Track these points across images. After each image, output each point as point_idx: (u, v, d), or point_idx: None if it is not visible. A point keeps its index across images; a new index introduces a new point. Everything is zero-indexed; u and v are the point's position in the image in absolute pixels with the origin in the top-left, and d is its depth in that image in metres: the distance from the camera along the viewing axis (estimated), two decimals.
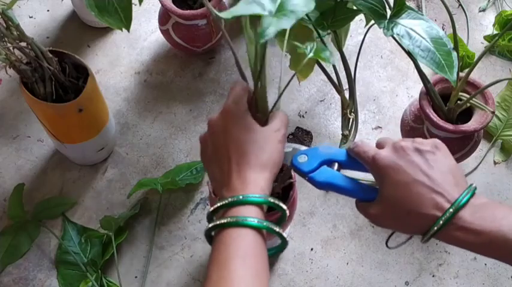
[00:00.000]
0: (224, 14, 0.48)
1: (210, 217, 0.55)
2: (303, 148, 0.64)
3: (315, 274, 0.88)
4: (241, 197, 0.52)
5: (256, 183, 0.53)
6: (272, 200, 0.54)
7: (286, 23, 0.49)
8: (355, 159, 0.61)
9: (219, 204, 0.53)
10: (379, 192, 0.57)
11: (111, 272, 0.87)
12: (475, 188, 0.54)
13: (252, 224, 0.51)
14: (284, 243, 0.56)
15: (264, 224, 0.51)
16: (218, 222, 0.51)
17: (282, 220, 0.58)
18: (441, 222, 0.52)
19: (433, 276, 0.88)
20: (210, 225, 0.52)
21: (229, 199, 0.52)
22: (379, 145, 0.60)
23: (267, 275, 0.51)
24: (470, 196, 0.53)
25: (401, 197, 0.54)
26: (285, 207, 0.55)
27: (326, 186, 0.61)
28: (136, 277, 0.87)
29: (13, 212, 0.91)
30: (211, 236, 0.54)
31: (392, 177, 0.55)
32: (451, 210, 0.52)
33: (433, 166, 0.54)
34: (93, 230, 0.90)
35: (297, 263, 0.89)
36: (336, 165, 0.62)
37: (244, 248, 0.50)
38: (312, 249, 0.90)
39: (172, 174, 0.94)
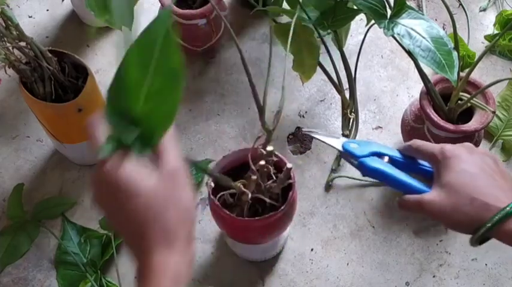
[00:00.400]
0: None
1: None
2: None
3: (315, 275, 0.88)
4: None
5: (169, 273, 0.41)
6: None
7: None
8: (407, 158, 0.62)
9: None
10: (439, 181, 0.56)
11: (110, 272, 0.87)
12: None
13: None
14: None
15: None
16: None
17: None
18: (503, 212, 0.51)
19: (434, 276, 0.88)
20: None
21: None
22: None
23: None
24: None
25: (467, 184, 0.54)
26: None
27: (376, 173, 0.60)
28: (136, 277, 0.87)
29: (12, 212, 0.90)
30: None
31: (461, 165, 0.55)
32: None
33: (495, 169, 0.56)
34: (93, 230, 0.90)
35: (297, 263, 0.89)
36: (386, 158, 0.62)
37: None
38: (312, 249, 0.90)
39: None
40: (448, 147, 0.58)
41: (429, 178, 0.59)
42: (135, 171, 0.42)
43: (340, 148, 0.63)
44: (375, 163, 0.61)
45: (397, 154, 0.62)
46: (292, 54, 0.85)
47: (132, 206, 0.41)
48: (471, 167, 0.55)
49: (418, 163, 0.62)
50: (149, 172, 0.43)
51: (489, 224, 0.52)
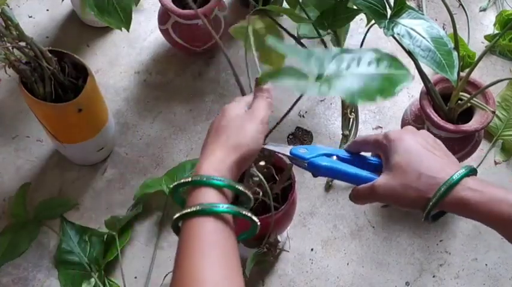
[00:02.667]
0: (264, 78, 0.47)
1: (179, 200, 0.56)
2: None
3: (315, 275, 0.88)
4: (204, 178, 0.52)
5: (220, 163, 0.54)
6: (235, 186, 0.53)
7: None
8: (354, 155, 0.63)
9: (182, 181, 0.53)
10: (386, 166, 0.58)
11: (111, 272, 0.87)
12: (476, 171, 0.57)
13: (217, 211, 0.50)
14: (255, 227, 0.56)
15: (230, 209, 0.51)
16: (184, 211, 0.50)
17: (247, 203, 0.57)
18: (450, 181, 0.54)
19: (434, 276, 0.88)
20: (176, 216, 0.51)
21: (192, 178, 0.53)
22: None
23: (237, 262, 0.50)
24: (474, 172, 0.56)
25: (413, 162, 0.56)
26: (248, 193, 0.55)
27: (326, 170, 0.61)
28: (136, 277, 0.87)
29: (16, 210, 0.91)
30: (178, 226, 0.53)
31: (404, 146, 0.58)
32: (459, 172, 0.54)
33: (439, 147, 0.59)
34: (93, 229, 0.90)
35: (297, 263, 0.89)
36: (335, 157, 0.63)
37: (209, 238, 0.49)
38: (312, 249, 0.90)
39: (176, 173, 0.93)
40: (390, 132, 0.60)
41: (378, 171, 0.60)
42: (235, 106, 0.61)
43: (288, 154, 0.65)
44: (323, 161, 0.62)
45: (344, 153, 0.64)
46: (256, 50, 0.84)
47: (224, 119, 0.59)
48: (415, 146, 0.58)
49: (365, 158, 0.63)
50: (243, 111, 0.61)
51: (437, 196, 0.54)
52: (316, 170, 0.62)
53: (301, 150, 0.64)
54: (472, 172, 0.56)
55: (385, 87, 0.47)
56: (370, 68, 0.50)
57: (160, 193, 0.91)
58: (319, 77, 0.47)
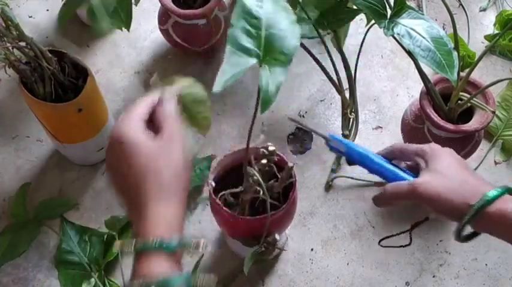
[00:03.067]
0: (216, 87, 0.46)
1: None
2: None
3: (315, 275, 0.88)
4: (153, 243, 0.44)
5: (163, 222, 0.46)
6: (191, 242, 0.47)
7: (282, 73, 0.47)
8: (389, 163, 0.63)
9: (127, 249, 0.46)
10: (428, 168, 0.58)
11: (111, 272, 0.87)
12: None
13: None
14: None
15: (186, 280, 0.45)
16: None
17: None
18: (497, 191, 0.53)
19: (434, 276, 0.88)
20: None
21: (138, 246, 0.45)
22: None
23: None
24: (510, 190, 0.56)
25: (458, 169, 0.57)
26: (202, 245, 0.48)
27: (363, 157, 0.62)
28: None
29: (16, 210, 0.91)
30: None
31: (450, 154, 0.59)
32: (503, 186, 0.55)
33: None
34: (93, 229, 0.90)
35: (297, 263, 0.89)
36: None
37: None
38: (312, 249, 0.90)
39: None
40: (433, 143, 0.61)
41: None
42: (140, 134, 0.49)
43: (327, 135, 0.65)
44: (362, 149, 0.63)
45: (378, 156, 0.64)
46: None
47: (133, 162, 0.48)
48: (457, 158, 0.59)
49: (398, 166, 0.63)
50: (151, 136, 0.50)
51: (482, 202, 0.53)
52: (353, 156, 0.62)
53: (339, 136, 0.65)
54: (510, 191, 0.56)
55: None
56: None
57: None
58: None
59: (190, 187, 0.90)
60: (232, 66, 0.46)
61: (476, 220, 0.54)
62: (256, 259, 0.80)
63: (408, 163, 0.64)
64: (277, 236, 0.79)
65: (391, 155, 0.64)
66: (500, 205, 0.53)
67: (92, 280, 0.84)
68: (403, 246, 0.63)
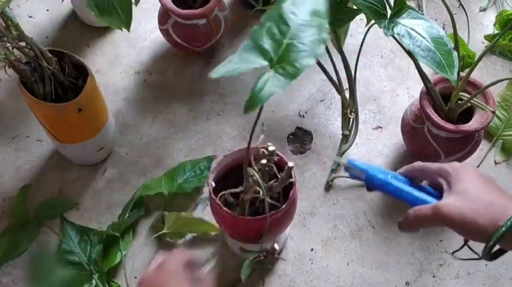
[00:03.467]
0: (214, 74, 0.45)
1: None
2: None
3: (315, 275, 0.88)
4: None
5: None
6: None
7: (281, 85, 0.46)
8: (407, 180, 0.62)
9: None
10: (451, 190, 0.57)
11: (113, 272, 0.87)
12: None
13: None
14: None
15: None
16: None
17: None
18: None
19: (434, 276, 0.88)
20: None
21: None
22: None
23: None
24: None
25: (482, 190, 0.55)
26: None
27: (383, 184, 0.61)
28: (135, 277, 0.87)
29: (16, 211, 0.91)
30: None
31: (472, 174, 0.58)
32: None
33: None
34: (93, 229, 0.90)
35: (297, 263, 0.89)
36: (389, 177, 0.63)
37: None
38: (312, 249, 0.90)
39: (176, 173, 0.94)
40: (455, 162, 0.60)
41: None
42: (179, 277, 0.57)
43: (345, 162, 0.65)
44: (380, 174, 0.62)
45: (399, 177, 0.63)
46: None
47: None
48: (482, 177, 0.58)
49: (421, 185, 0.62)
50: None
51: (504, 229, 0.52)
52: (373, 182, 0.61)
53: (358, 161, 0.64)
54: None
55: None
56: None
57: (159, 194, 0.91)
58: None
59: (190, 189, 0.91)
60: (241, 60, 0.46)
61: (506, 239, 0.53)
62: (253, 267, 0.80)
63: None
64: (276, 246, 0.79)
65: (411, 175, 0.63)
66: None
67: (93, 281, 0.84)
68: (476, 259, 0.61)
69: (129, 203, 0.92)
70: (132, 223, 0.90)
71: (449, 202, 0.55)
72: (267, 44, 0.47)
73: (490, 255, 0.55)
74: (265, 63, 0.47)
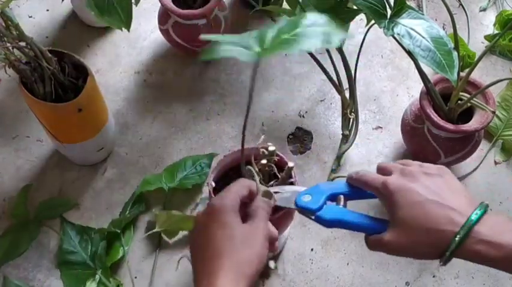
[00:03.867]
0: (204, 57, 0.44)
1: None
2: (302, 188, 0.64)
3: (315, 275, 0.88)
4: None
5: None
6: None
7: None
8: (358, 189, 0.61)
9: None
10: (391, 219, 0.56)
11: (116, 270, 0.87)
12: (487, 205, 0.54)
13: None
14: None
15: None
16: None
17: None
18: (460, 235, 0.51)
19: (434, 276, 0.88)
20: None
21: None
22: (384, 170, 0.60)
23: None
24: (484, 211, 0.53)
25: (418, 217, 0.53)
26: None
27: (335, 223, 0.60)
28: (136, 277, 0.87)
29: (17, 211, 0.91)
30: None
31: (406, 199, 0.55)
32: (468, 223, 0.52)
33: (443, 187, 0.55)
34: (94, 229, 0.90)
35: (297, 263, 0.89)
36: (342, 198, 0.62)
37: None
38: (312, 249, 0.90)
39: (177, 169, 0.94)
40: (390, 180, 0.56)
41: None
42: (234, 212, 0.55)
43: (293, 206, 0.62)
44: (331, 212, 0.60)
45: (348, 189, 0.62)
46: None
47: (222, 232, 0.53)
48: (417, 197, 0.54)
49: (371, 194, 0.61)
50: (240, 220, 0.55)
51: (450, 250, 0.52)
52: (324, 224, 0.60)
53: (305, 197, 0.61)
54: (484, 211, 0.53)
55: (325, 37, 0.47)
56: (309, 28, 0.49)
57: (159, 189, 0.91)
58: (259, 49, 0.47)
59: (190, 185, 0.91)
60: (234, 49, 0.45)
61: (457, 254, 0.52)
62: None
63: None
64: (271, 264, 0.79)
65: (357, 185, 0.61)
66: (471, 246, 0.51)
67: (97, 276, 0.84)
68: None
69: (130, 200, 0.92)
70: (133, 219, 0.91)
71: (392, 238, 0.55)
72: (253, 43, 0.47)
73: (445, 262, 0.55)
74: (255, 56, 0.46)
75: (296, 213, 0.80)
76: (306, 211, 0.61)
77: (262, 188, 0.62)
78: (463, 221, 0.52)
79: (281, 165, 0.73)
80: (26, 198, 0.92)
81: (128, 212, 0.91)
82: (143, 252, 0.89)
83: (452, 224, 0.52)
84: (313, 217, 0.60)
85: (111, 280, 0.84)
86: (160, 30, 1.04)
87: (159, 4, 0.98)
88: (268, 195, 0.61)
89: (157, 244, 0.90)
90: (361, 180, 0.60)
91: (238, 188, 0.59)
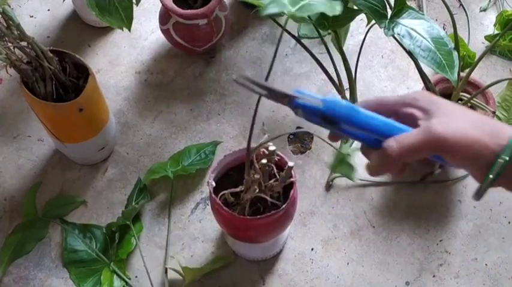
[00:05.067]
0: (264, 11, 0.58)
1: None
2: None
3: (315, 274, 0.88)
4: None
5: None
6: None
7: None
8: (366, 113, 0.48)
9: None
10: (432, 112, 0.46)
11: (125, 263, 0.88)
12: None
13: None
14: None
15: None
16: None
17: None
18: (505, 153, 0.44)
19: (434, 276, 0.88)
20: None
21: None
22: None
23: None
24: None
25: (466, 109, 0.48)
26: None
27: (351, 113, 0.47)
28: (136, 276, 0.87)
29: (26, 210, 0.92)
30: None
31: (448, 101, 0.48)
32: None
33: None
34: (96, 225, 0.90)
35: (297, 263, 0.89)
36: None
37: None
38: (312, 249, 0.90)
39: (182, 156, 0.95)
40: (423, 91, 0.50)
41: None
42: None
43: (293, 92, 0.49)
44: (342, 102, 0.48)
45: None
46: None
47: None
48: (460, 107, 0.48)
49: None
50: None
51: (507, 155, 0.43)
52: (335, 113, 0.47)
53: (303, 99, 0.49)
54: None
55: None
56: None
57: (165, 178, 0.92)
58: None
59: (194, 170, 0.92)
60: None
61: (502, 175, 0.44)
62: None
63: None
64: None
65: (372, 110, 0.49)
66: None
67: (106, 269, 0.85)
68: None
69: (133, 191, 0.94)
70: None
71: (442, 121, 0.45)
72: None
73: (489, 184, 0.46)
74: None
75: (297, 213, 0.80)
76: (310, 97, 0.48)
77: None
78: (505, 142, 0.44)
79: (281, 165, 0.73)
80: (34, 197, 0.93)
81: (133, 203, 0.91)
82: (140, 251, 0.89)
83: (505, 129, 0.45)
84: (321, 107, 0.47)
85: (122, 272, 0.85)
86: (161, 30, 1.05)
87: (160, 4, 0.99)
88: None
89: (166, 245, 0.90)
90: (379, 98, 0.50)
91: None
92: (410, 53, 0.77)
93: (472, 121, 0.45)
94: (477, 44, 1.13)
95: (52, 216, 0.91)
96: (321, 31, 0.83)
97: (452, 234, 0.91)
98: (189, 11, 0.97)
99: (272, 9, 0.59)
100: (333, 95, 0.51)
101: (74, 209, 0.93)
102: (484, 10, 1.18)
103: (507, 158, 0.44)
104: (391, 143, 0.46)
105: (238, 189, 0.74)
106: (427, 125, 0.45)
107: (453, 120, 0.45)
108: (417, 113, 0.47)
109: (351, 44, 1.08)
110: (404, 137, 0.46)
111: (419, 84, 0.84)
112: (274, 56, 0.61)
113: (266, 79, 0.60)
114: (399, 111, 0.49)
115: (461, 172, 0.97)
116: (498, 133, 0.45)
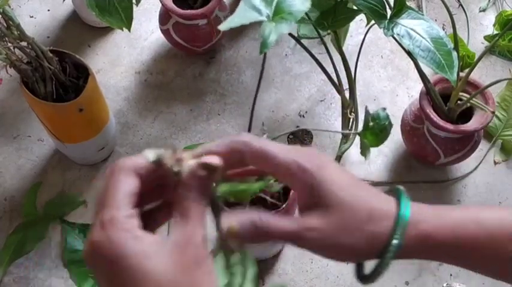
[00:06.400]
0: (222, 26, 0.50)
1: None
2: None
3: (315, 274, 0.88)
4: None
5: None
6: None
7: (286, 27, 0.51)
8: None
9: None
10: (319, 200, 0.40)
11: None
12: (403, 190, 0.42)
13: None
14: None
15: None
16: None
17: None
18: (404, 213, 0.39)
19: (434, 275, 0.88)
20: None
21: None
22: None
23: None
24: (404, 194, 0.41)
25: (360, 194, 0.39)
26: None
27: None
28: None
29: (27, 210, 0.92)
30: None
31: (337, 172, 0.39)
32: (403, 202, 0.40)
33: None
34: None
35: (297, 262, 0.89)
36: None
37: None
38: None
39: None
40: (306, 150, 0.40)
41: None
42: (139, 241, 0.34)
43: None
44: None
45: None
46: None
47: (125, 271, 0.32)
48: (348, 176, 0.40)
49: None
50: (155, 240, 0.35)
51: (399, 231, 0.39)
52: None
53: None
54: (405, 195, 0.41)
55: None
56: None
57: None
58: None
59: None
60: (241, 17, 0.54)
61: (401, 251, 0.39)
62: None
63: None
64: None
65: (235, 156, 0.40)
66: (415, 227, 0.39)
67: None
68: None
69: None
70: None
71: (317, 225, 0.40)
72: (260, 5, 0.56)
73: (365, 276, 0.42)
74: (264, 18, 0.54)
75: (297, 212, 0.80)
76: None
77: (188, 154, 0.37)
78: (393, 201, 0.40)
79: None
80: (34, 197, 0.93)
81: None
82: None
83: (389, 203, 0.40)
84: None
85: None
86: (161, 30, 1.05)
87: (160, 4, 0.99)
88: (206, 168, 0.37)
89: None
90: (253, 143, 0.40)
91: (122, 185, 0.36)
92: (409, 53, 0.77)
93: (363, 216, 0.39)
94: (476, 44, 1.13)
95: (52, 216, 0.92)
96: (320, 31, 0.83)
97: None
98: (188, 11, 0.97)
99: (273, 37, 0.56)
100: None
101: (74, 209, 0.93)
102: (484, 10, 1.18)
103: (392, 247, 0.40)
104: (264, 219, 0.40)
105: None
106: (303, 224, 0.40)
107: (341, 217, 0.39)
108: (301, 191, 0.40)
109: (350, 44, 1.08)
110: (281, 222, 0.40)
111: (419, 85, 0.85)
112: (264, 58, 0.61)
113: (260, 79, 0.61)
114: (281, 176, 0.41)
115: (461, 172, 0.97)
116: (385, 225, 0.39)
